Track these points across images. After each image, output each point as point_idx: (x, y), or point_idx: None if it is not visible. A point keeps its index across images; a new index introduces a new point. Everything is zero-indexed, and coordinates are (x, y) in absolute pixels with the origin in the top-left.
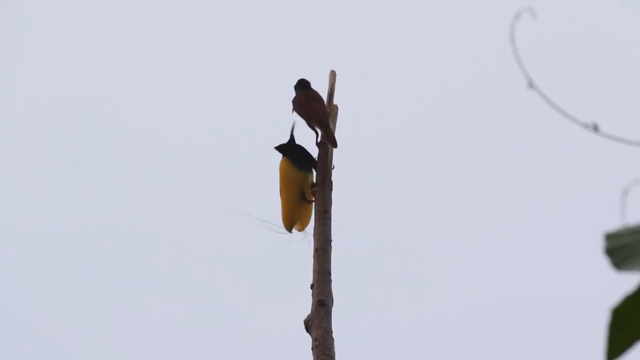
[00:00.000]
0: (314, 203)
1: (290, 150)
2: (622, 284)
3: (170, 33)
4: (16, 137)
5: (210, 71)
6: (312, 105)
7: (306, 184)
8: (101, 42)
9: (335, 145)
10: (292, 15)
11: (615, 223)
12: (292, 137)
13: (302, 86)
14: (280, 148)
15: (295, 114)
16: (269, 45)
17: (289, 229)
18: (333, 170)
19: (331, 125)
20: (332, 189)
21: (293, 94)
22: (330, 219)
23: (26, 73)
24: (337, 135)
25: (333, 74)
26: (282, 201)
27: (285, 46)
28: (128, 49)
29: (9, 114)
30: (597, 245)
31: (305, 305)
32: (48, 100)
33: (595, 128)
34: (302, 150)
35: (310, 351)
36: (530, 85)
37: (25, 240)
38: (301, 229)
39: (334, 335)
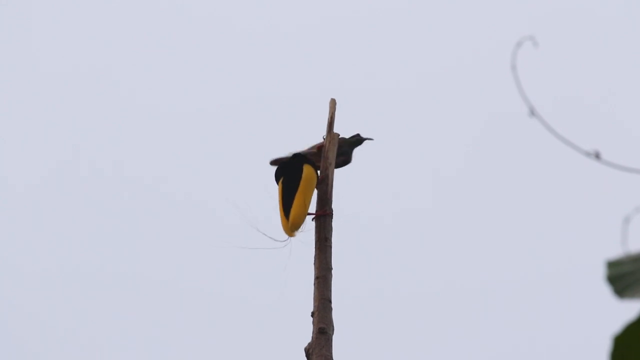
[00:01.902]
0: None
1: (311, 161)
2: (624, 311)
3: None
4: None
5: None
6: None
7: None
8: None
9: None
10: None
11: (616, 251)
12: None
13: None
14: (300, 157)
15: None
16: (270, 88)
17: (296, 230)
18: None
19: (331, 155)
20: (332, 217)
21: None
22: (330, 246)
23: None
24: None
25: (333, 102)
26: (299, 204)
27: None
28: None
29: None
30: (599, 273)
31: (306, 333)
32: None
33: (597, 156)
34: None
35: None
36: (532, 113)
37: (24, 279)
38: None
39: None
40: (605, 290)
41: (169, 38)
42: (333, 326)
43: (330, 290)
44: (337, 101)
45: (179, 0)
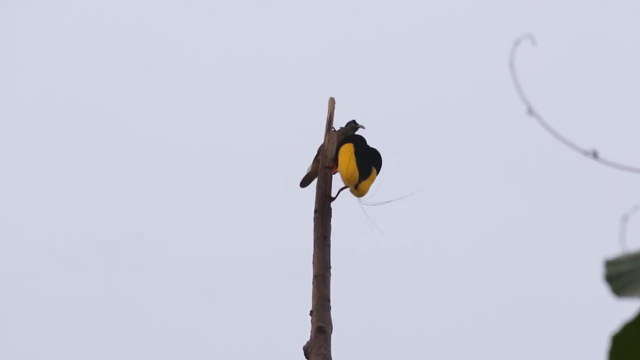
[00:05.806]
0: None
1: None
2: (622, 310)
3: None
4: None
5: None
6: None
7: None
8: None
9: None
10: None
11: (614, 250)
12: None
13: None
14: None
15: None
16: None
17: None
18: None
19: (329, 153)
20: (331, 216)
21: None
22: (329, 245)
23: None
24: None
25: (332, 102)
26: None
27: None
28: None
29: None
30: (597, 272)
31: (304, 331)
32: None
33: (595, 155)
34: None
35: None
36: (530, 111)
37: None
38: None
39: None
40: (603, 289)
41: (165, 47)
42: (331, 325)
43: (329, 289)
44: (335, 100)
45: (168, 24)
